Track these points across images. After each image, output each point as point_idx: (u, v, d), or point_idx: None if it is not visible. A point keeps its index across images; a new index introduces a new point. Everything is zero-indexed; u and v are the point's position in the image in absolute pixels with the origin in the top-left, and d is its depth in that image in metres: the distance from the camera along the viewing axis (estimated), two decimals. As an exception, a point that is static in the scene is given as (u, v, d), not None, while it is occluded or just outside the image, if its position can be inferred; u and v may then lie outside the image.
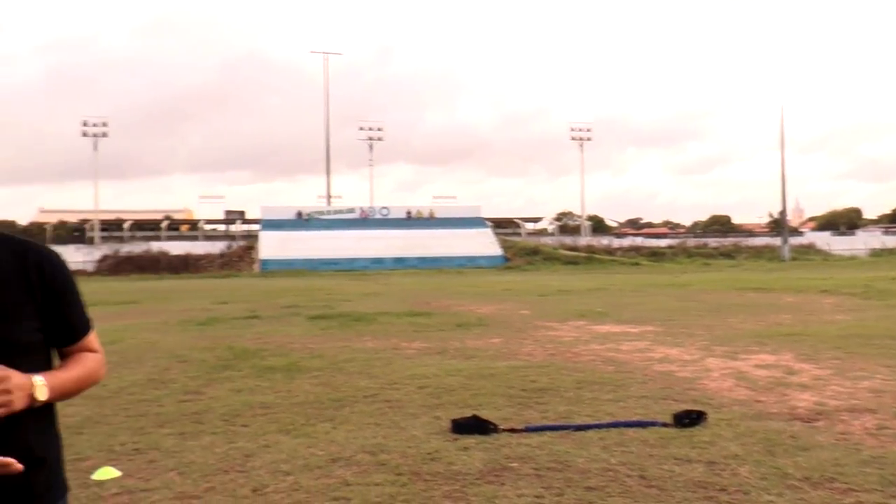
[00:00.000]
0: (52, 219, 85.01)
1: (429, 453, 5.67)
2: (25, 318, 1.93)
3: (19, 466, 1.76)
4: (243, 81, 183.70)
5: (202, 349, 12.01)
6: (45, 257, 2.03)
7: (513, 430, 6.20)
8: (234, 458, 5.67)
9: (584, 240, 75.26)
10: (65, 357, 2.08)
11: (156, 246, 65.19)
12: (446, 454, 5.64)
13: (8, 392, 1.77)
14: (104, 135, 75.72)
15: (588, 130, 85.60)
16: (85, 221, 78.82)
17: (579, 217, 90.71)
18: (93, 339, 2.13)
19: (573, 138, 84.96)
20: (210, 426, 6.72)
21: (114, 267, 59.13)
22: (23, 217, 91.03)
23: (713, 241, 73.91)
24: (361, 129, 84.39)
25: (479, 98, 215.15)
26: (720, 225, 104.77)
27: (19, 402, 1.80)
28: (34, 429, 1.94)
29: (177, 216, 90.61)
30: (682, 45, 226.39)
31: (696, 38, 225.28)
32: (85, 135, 75.17)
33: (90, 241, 69.77)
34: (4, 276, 1.93)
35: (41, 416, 1.94)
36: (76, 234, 76.75)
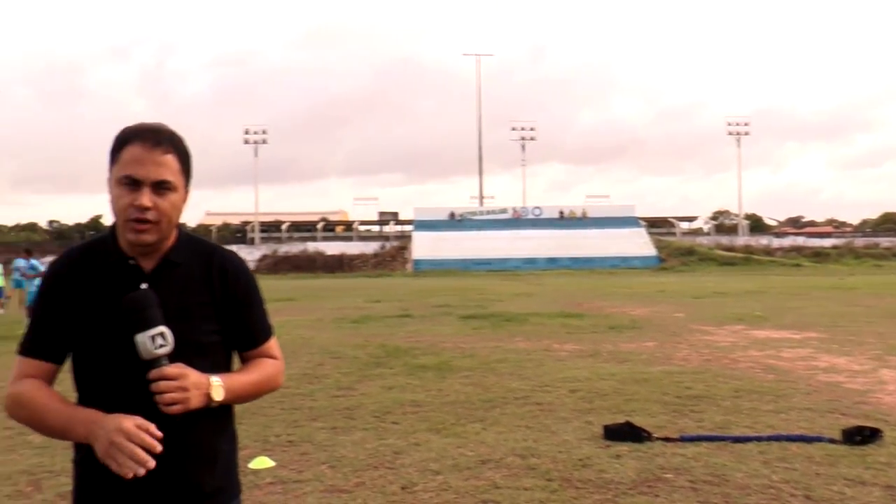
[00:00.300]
0: (217, 221, 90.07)
1: (580, 459, 5.49)
2: (204, 319, 1.95)
3: (158, 433, 1.75)
4: (397, 86, 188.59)
5: (355, 346, 12.25)
6: (228, 261, 2.05)
7: (667, 439, 5.91)
8: (384, 455, 5.69)
9: (742, 239, 72.16)
10: (245, 361, 2.10)
11: (312, 246, 67.79)
12: (598, 461, 5.43)
13: (184, 389, 1.80)
14: (264, 141, 79.68)
15: (746, 124, 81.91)
16: (246, 223, 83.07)
17: (736, 216, 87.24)
18: (273, 345, 2.13)
19: (730, 133, 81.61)
20: (361, 422, 6.79)
21: (272, 266, 61.88)
22: (191, 220, 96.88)
23: (885, 241, 68.96)
24: (514, 129, 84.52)
25: (632, 94, 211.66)
26: (893, 223, 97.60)
27: (195, 401, 1.82)
28: (209, 428, 1.95)
29: (332, 218, 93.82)
30: (848, 28, 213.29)
31: (865, 19, 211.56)
32: (246, 142, 79.31)
33: (251, 242, 73.42)
34: (189, 276, 1.97)
35: (217, 416, 1.95)
36: (238, 235, 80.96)
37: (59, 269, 1.97)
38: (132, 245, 1.91)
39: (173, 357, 1.82)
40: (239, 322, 2.03)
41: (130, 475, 1.71)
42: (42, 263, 19.68)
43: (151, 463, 1.72)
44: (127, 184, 1.85)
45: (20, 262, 19.95)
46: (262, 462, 5.51)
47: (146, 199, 1.83)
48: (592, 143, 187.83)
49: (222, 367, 2.00)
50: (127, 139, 1.88)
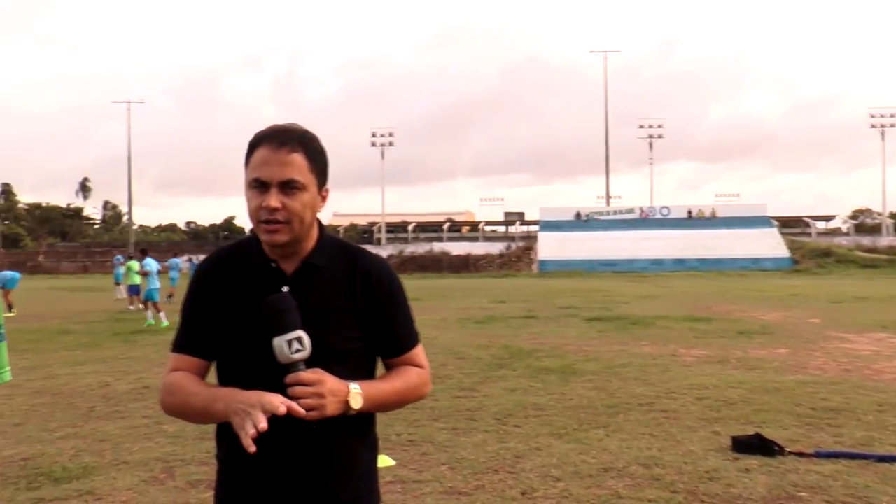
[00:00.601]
0: (345, 222, 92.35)
1: (706, 472, 5.30)
2: (345, 325, 1.93)
3: (301, 411, 1.75)
4: (523, 86, 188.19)
5: (479, 347, 12.30)
6: (373, 265, 2.01)
7: (801, 454, 5.63)
8: (505, 458, 5.68)
9: (886, 240, 67.60)
10: (389, 368, 2.05)
11: (438, 246, 68.42)
12: (725, 474, 5.24)
13: (320, 396, 1.77)
14: (391, 144, 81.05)
15: (891, 116, 76.77)
16: (373, 224, 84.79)
17: (879, 214, 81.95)
18: (418, 353, 2.07)
19: (873, 125, 76.67)
20: (483, 424, 6.81)
21: (398, 266, 62.74)
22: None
23: None
24: (641, 126, 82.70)
25: (765, 86, 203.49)
26: None
27: (331, 408, 1.79)
28: (348, 436, 1.92)
29: (458, 218, 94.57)
30: None
31: None
32: (374, 144, 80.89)
33: (377, 242, 74.79)
34: (331, 280, 1.94)
35: (357, 423, 1.92)
36: (365, 235, 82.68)
37: (206, 268, 2.02)
38: (271, 247, 1.92)
39: (312, 362, 1.80)
40: (382, 328, 1.98)
41: (247, 437, 1.70)
42: (159, 263, 20.51)
43: (263, 424, 1.70)
44: (256, 186, 1.86)
45: (176, 262, 20.69)
46: (382, 461, 5.60)
47: (273, 199, 1.83)
48: (722, 140, 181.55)
49: (363, 374, 1.95)
50: (256, 143, 1.90)
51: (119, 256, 28.13)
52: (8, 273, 22.79)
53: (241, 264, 1.97)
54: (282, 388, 1.78)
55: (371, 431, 2.04)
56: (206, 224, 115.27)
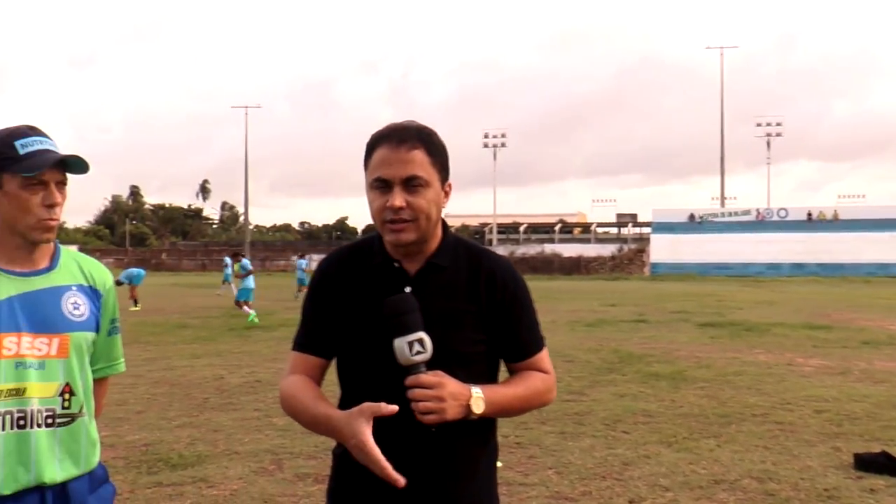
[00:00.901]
0: (456, 223, 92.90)
1: (825, 490, 5.05)
2: (468, 327, 1.88)
3: (401, 481, 1.73)
4: (637, 85, 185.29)
5: (588, 350, 12.14)
6: (498, 266, 1.96)
7: (933, 474, 5.26)
8: (613, 465, 5.57)
9: None
10: (512, 372, 2.01)
11: (549, 248, 68.05)
12: (847, 494, 4.97)
13: (441, 399, 1.73)
14: (503, 145, 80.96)
15: None
16: (484, 225, 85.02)
17: None
18: (543, 358, 2.02)
19: None
20: (591, 429, 6.69)
21: (510, 267, 62.82)
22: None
23: None
24: (759, 124, 79.58)
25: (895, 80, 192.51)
26: None
27: (452, 412, 1.74)
28: (467, 441, 1.88)
29: (570, 220, 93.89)
30: None
31: None
32: (486, 146, 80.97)
33: (488, 244, 74.82)
34: (455, 281, 1.91)
35: (477, 429, 1.88)
36: (476, 236, 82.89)
37: (327, 267, 2.00)
38: (395, 247, 1.89)
39: (433, 364, 1.76)
40: (507, 331, 1.94)
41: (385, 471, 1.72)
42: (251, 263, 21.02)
43: (401, 482, 1.72)
44: (378, 186, 1.84)
45: (301, 262, 21.07)
46: (491, 462, 5.56)
47: (398, 198, 1.80)
48: (846, 138, 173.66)
49: (486, 377, 1.90)
50: (375, 143, 1.88)
51: (227, 258, 29.64)
52: (134, 270, 24.10)
53: (364, 264, 1.95)
54: (401, 390, 1.75)
55: (492, 437, 2.00)
56: (320, 224, 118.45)
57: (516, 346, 1.97)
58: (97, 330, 2.15)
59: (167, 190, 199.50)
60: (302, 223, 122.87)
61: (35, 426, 1.96)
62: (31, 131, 2.00)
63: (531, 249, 67.71)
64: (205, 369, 10.45)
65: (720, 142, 76.14)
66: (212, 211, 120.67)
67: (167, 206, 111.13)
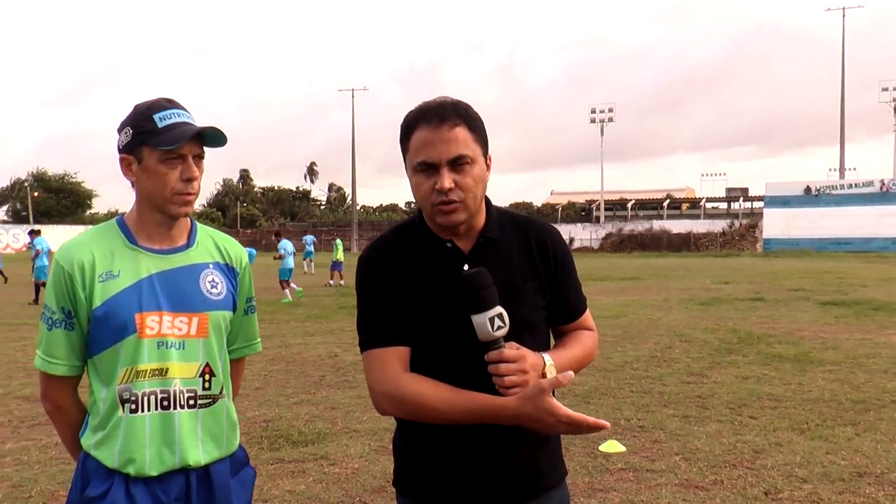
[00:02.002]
0: (563, 200, 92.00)
1: (984, 482, 4.65)
2: (531, 295, 1.88)
3: (604, 424, 1.71)
4: (751, 54, 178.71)
5: (704, 329, 11.74)
6: (547, 234, 1.97)
7: None
8: (743, 453, 5.31)
9: None
10: (560, 336, 2.00)
11: (657, 224, 66.54)
12: None
13: (524, 372, 1.71)
14: (610, 120, 79.57)
15: None
16: (591, 202, 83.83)
17: None
18: (588, 316, 2.05)
19: None
20: (715, 413, 6.42)
21: (617, 244, 61.86)
22: (537, 199, 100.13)
23: None
24: (884, 89, 75.14)
25: None
26: None
27: (533, 383, 1.73)
28: None
29: (678, 195, 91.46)
30: None
31: None
32: (593, 121, 79.79)
33: (596, 221, 73.85)
34: (509, 252, 1.90)
35: None
36: (583, 213, 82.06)
37: (376, 256, 1.90)
38: (444, 228, 1.85)
39: (506, 337, 1.74)
40: (559, 295, 1.95)
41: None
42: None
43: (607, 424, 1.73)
44: (423, 170, 1.79)
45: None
46: (612, 446, 5.42)
47: (446, 180, 1.75)
48: None
49: (546, 344, 1.94)
50: (412, 125, 1.81)
51: (309, 237, 31.10)
52: (247, 249, 24.65)
53: (413, 248, 1.89)
54: (479, 366, 1.74)
55: None
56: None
57: (567, 309, 1.99)
58: (234, 309, 2.11)
59: (276, 173, 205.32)
60: (408, 203, 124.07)
61: (178, 407, 1.94)
62: (168, 104, 1.96)
63: (639, 226, 66.37)
64: (319, 347, 10.61)
65: (840, 110, 72.29)
66: (319, 192, 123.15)
67: (276, 188, 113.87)
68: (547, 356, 1.79)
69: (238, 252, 2.17)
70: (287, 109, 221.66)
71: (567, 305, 1.98)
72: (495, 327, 1.71)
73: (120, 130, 1.97)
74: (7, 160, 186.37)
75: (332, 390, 7.66)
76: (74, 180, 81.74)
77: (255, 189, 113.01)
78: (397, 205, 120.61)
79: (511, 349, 1.72)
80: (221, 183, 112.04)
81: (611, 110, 79.67)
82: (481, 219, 1.89)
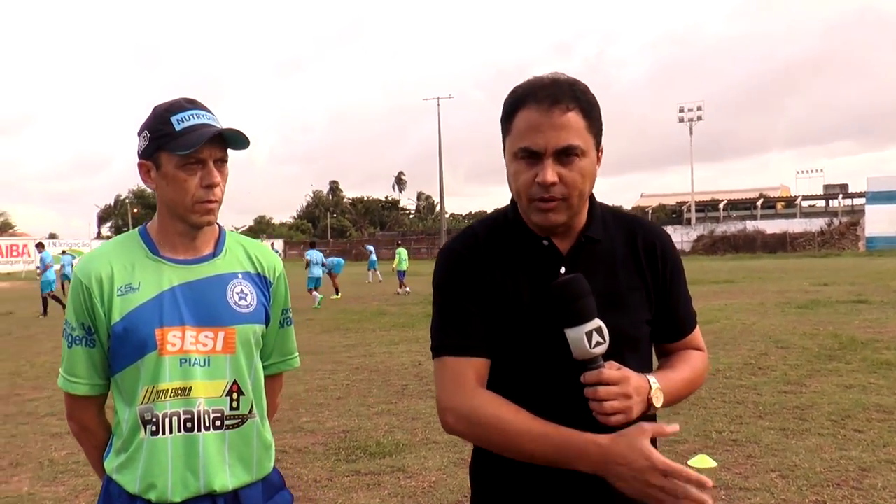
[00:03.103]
0: (653, 203, 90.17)
1: None
2: (637, 307, 1.63)
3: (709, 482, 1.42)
4: (850, 43, 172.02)
5: (802, 335, 11.15)
6: (655, 235, 1.70)
7: None
8: (848, 470, 4.91)
9: None
10: (664, 355, 1.74)
11: (751, 225, 64.46)
12: None
13: (627, 396, 1.46)
14: (699, 118, 77.56)
15: None
16: (682, 203, 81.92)
17: None
18: (698, 334, 1.77)
19: None
20: (815, 425, 6.01)
21: (709, 246, 60.24)
22: (627, 202, 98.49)
23: None
24: None
25: None
26: None
27: (638, 409, 1.48)
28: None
29: (772, 194, 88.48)
30: None
31: None
32: (681, 120, 77.98)
33: (686, 223, 72.11)
34: (613, 256, 1.65)
35: (647, 421, 1.59)
36: (674, 215, 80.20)
37: (459, 249, 1.67)
38: (542, 227, 1.61)
39: (606, 354, 1.49)
40: (666, 309, 1.68)
41: None
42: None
43: (710, 482, 1.42)
44: (525, 157, 1.54)
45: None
46: (702, 461, 5.10)
47: (550, 173, 1.51)
48: None
49: (650, 364, 1.68)
50: (518, 102, 1.56)
51: (369, 246, 33.18)
52: (335, 259, 25.33)
53: (505, 244, 1.65)
54: (575, 389, 1.49)
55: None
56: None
57: (676, 324, 1.72)
58: (267, 322, 1.96)
59: (366, 183, 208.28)
60: (496, 210, 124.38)
61: (203, 429, 1.80)
62: (189, 104, 1.82)
63: (732, 227, 64.41)
64: (403, 356, 10.52)
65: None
66: (408, 202, 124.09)
67: (365, 198, 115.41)
68: (653, 378, 1.54)
69: (272, 261, 2.01)
70: (376, 120, 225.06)
71: (676, 320, 1.72)
72: (593, 343, 1.48)
73: (139, 135, 1.84)
74: (113, 179, 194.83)
75: (413, 400, 7.54)
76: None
77: (345, 200, 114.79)
78: (485, 211, 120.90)
79: (612, 369, 1.47)
80: (311, 194, 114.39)
81: (699, 108, 77.67)
82: (583, 216, 1.65)
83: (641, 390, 1.49)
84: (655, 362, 1.73)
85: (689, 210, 77.04)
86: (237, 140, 1.83)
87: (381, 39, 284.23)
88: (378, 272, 32.13)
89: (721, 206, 79.89)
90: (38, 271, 20.28)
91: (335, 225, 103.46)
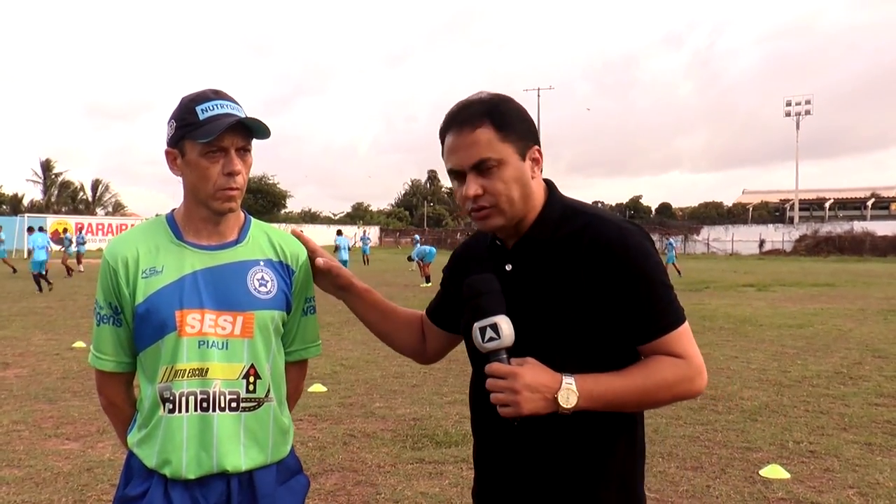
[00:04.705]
0: (755, 200, 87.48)
1: None
2: (571, 307, 1.64)
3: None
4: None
5: (904, 345, 10.61)
6: (602, 233, 1.66)
7: None
8: (933, 490, 4.63)
9: None
10: (643, 356, 1.70)
11: (859, 226, 61.59)
12: None
13: (514, 391, 1.56)
14: (807, 113, 74.59)
15: None
16: (785, 201, 79.17)
17: None
18: (675, 339, 1.65)
19: None
20: (905, 442, 5.70)
21: (812, 247, 57.89)
22: (728, 199, 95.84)
23: None
24: None
25: None
26: None
27: (529, 405, 1.56)
28: (576, 440, 1.66)
29: (885, 193, 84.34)
30: None
31: None
32: (788, 115, 75.14)
33: (789, 221, 69.59)
34: (557, 254, 1.69)
35: (591, 426, 1.65)
36: (776, 214, 77.61)
37: (458, 248, 2.04)
38: (484, 231, 1.81)
39: (529, 350, 1.60)
40: (622, 310, 1.64)
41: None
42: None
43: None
44: (454, 177, 1.72)
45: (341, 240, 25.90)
46: (775, 471, 4.91)
47: (472, 187, 1.67)
48: None
49: (602, 364, 1.63)
50: (443, 130, 1.75)
51: (416, 237, 36.30)
52: (426, 247, 25.83)
53: (483, 243, 1.88)
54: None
55: (621, 437, 1.71)
56: (613, 203, 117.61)
57: (636, 326, 1.65)
58: (288, 308, 2.00)
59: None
60: (595, 202, 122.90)
61: (218, 409, 1.85)
62: (214, 95, 1.87)
63: (837, 227, 61.67)
64: (482, 346, 10.48)
65: None
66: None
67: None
68: (569, 379, 1.57)
69: (295, 249, 2.04)
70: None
71: (637, 322, 1.65)
72: (486, 338, 1.60)
73: (168, 124, 1.89)
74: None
75: (486, 391, 7.51)
76: (271, 182, 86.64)
77: (442, 189, 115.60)
78: (587, 204, 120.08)
79: (503, 365, 1.58)
80: (409, 183, 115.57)
81: (808, 102, 74.64)
82: (532, 216, 1.74)
83: (540, 388, 1.55)
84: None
85: (792, 208, 74.37)
86: (259, 129, 1.86)
87: (489, 30, 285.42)
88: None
89: (827, 204, 76.90)
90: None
91: (431, 214, 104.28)
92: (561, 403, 1.56)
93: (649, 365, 1.65)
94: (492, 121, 1.66)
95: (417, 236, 39.18)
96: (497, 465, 1.77)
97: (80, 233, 33.92)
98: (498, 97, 1.73)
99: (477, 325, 1.61)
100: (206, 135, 1.78)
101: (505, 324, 1.59)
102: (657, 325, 1.65)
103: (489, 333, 1.60)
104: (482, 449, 1.84)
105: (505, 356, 1.59)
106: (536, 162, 1.73)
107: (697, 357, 1.67)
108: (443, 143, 1.75)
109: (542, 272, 1.69)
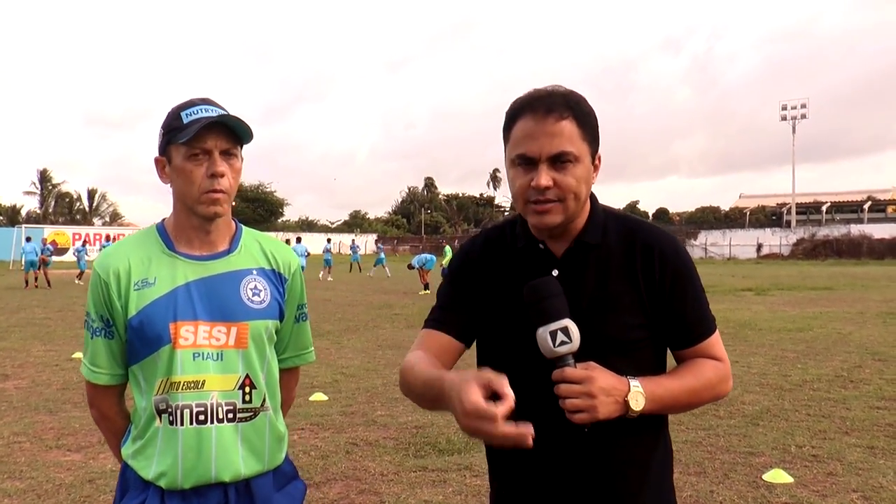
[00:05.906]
0: (752, 204, 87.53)
1: None
2: (626, 311, 1.66)
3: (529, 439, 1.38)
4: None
5: (903, 347, 10.61)
6: (655, 240, 1.71)
7: None
8: (936, 493, 4.63)
9: None
10: (680, 361, 1.74)
11: (856, 229, 61.71)
12: None
13: (590, 396, 1.51)
14: (803, 117, 74.80)
15: None
16: (782, 205, 79.29)
17: None
18: (713, 343, 1.73)
19: None
20: (909, 444, 5.70)
21: (809, 250, 58.02)
22: (725, 203, 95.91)
23: None
24: None
25: None
26: None
27: (604, 409, 1.53)
28: (632, 442, 1.67)
29: (882, 196, 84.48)
30: None
31: None
32: (784, 119, 75.32)
33: (786, 225, 69.71)
34: (608, 260, 1.69)
35: (644, 428, 1.66)
36: (773, 217, 77.67)
37: (470, 250, 1.84)
38: (538, 228, 1.69)
39: (589, 355, 1.56)
40: (670, 314, 1.69)
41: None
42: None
43: (529, 441, 1.39)
44: (522, 163, 1.63)
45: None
46: (778, 475, 4.91)
47: (544, 177, 1.60)
48: None
49: (649, 368, 1.68)
50: (517, 112, 1.65)
51: (380, 245, 39.75)
52: (426, 255, 25.90)
53: (508, 246, 1.78)
54: (549, 384, 1.55)
55: (662, 436, 1.77)
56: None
57: (681, 331, 1.71)
58: (281, 317, 1.99)
59: (465, 180, 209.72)
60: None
61: (216, 421, 1.85)
62: (200, 101, 1.87)
63: (835, 231, 61.80)
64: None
65: None
66: (503, 199, 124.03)
67: (460, 195, 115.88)
68: (635, 381, 1.57)
69: (287, 257, 2.04)
70: (478, 117, 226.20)
71: (682, 326, 1.71)
72: (557, 342, 1.53)
73: (158, 134, 1.90)
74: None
75: (490, 399, 7.49)
76: (268, 190, 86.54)
77: (440, 196, 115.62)
78: (620, 210, 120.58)
79: (577, 369, 1.53)
80: (407, 190, 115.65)
81: (804, 106, 74.86)
82: (582, 220, 1.72)
83: (613, 391, 1.53)
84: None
85: (789, 212, 74.48)
86: (239, 128, 1.85)
87: (488, 35, 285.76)
88: (386, 268, 35.00)
89: (824, 208, 76.96)
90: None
91: (429, 221, 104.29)
92: (631, 406, 1.56)
93: (696, 367, 1.70)
94: (576, 117, 1.62)
95: (381, 244, 41.17)
96: (540, 474, 1.70)
97: (80, 244, 34.02)
98: (578, 94, 1.68)
99: (545, 329, 1.54)
100: (187, 135, 1.78)
101: (572, 327, 1.55)
102: (701, 328, 1.72)
103: (560, 337, 1.54)
104: (517, 460, 1.68)
105: (572, 361, 1.54)
106: (597, 168, 1.71)
107: (728, 360, 1.76)
108: (511, 126, 1.67)
109: (595, 277, 1.68)
